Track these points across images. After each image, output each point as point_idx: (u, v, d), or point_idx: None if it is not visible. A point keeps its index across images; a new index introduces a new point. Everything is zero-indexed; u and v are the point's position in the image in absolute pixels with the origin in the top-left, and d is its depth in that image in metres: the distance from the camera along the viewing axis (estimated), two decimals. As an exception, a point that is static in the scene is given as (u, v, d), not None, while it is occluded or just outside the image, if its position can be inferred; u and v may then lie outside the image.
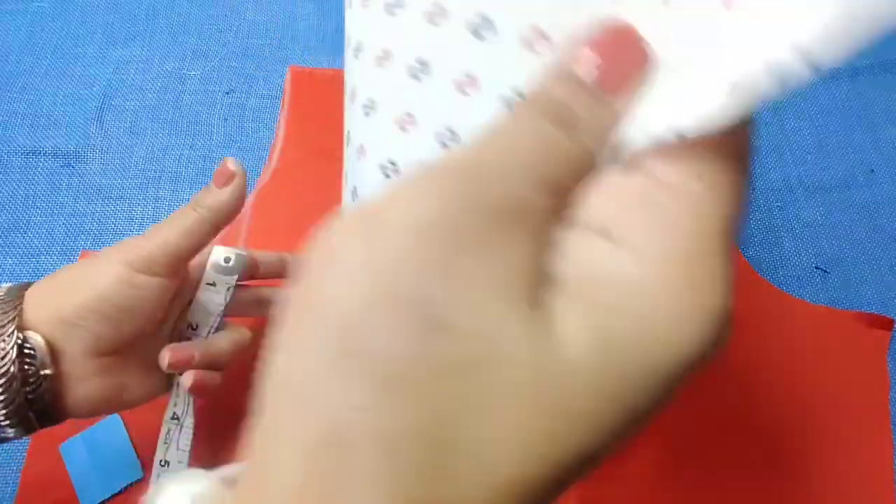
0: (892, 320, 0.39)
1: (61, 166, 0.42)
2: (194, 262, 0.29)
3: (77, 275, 0.26)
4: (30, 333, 0.24)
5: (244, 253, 0.31)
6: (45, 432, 0.34)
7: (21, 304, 0.25)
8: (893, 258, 0.42)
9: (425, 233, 0.10)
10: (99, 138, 0.44)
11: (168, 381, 0.30)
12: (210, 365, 0.29)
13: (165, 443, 0.30)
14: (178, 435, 0.30)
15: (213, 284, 0.30)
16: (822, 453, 0.35)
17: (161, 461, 0.30)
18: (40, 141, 0.43)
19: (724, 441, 0.35)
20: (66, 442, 0.34)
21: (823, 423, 0.36)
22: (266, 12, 0.50)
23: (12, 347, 0.24)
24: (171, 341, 0.29)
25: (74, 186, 0.42)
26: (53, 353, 0.25)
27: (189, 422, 0.30)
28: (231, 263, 0.30)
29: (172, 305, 0.29)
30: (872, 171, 0.45)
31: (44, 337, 0.24)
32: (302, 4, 0.50)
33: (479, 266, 0.10)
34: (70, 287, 0.26)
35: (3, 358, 0.23)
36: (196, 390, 0.28)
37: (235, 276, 0.30)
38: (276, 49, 0.48)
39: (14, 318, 0.24)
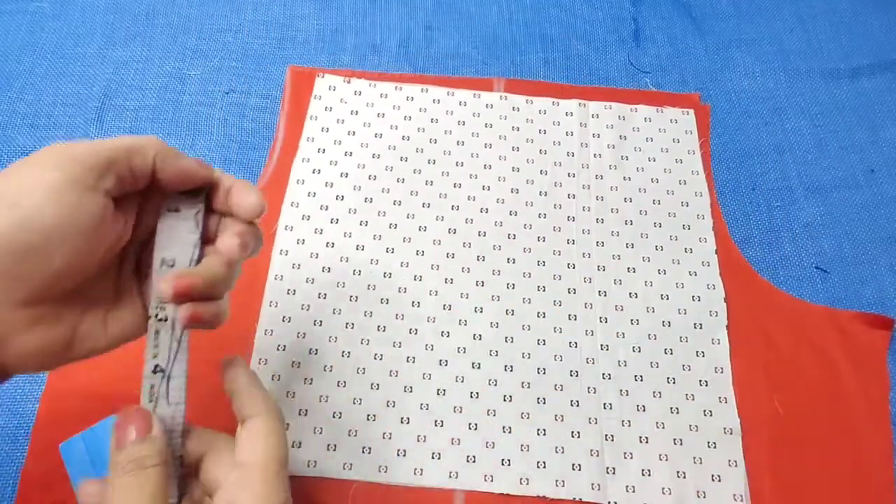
0: (892, 320, 0.39)
1: (61, 166, 0.42)
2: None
3: None
4: None
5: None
6: (45, 432, 0.34)
7: None
8: (893, 258, 0.42)
9: None
10: (99, 138, 0.43)
11: (136, 323, 0.25)
12: (207, 295, 0.24)
13: (151, 401, 0.25)
14: (164, 388, 0.25)
15: (178, 210, 0.25)
16: (821, 452, 0.35)
17: None
18: (40, 141, 0.43)
19: (723, 441, 0.35)
20: (66, 442, 0.34)
21: (823, 423, 0.36)
22: (266, 12, 0.50)
23: None
24: (137, 280, 0.25)
25: (74, 187, 0.42)
26: None
27: (179, 370, 0.25)
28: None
29: (133, 232, 0.24)
30: (872, 171, 0.45)
31: None
32: (302, 4, 0.50)
33: None
34: None
35: None
36: (194, 321, 0.24)
37: (201, 200, 0.25)
38: (276, 49, 0.48)
39: None
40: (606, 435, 0.35)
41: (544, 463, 0.34)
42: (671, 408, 0.36)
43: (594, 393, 0.36)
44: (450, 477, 0.34)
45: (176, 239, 0.25)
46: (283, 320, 0.37)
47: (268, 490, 0.23)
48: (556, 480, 0.34)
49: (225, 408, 0.27)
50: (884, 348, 0.38)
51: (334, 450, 0.34)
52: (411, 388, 0.36)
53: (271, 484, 0.23)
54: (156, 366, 0.25)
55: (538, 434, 0.35)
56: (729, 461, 0.34)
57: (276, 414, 0.25)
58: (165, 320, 0.25)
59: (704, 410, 0.36)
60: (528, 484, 0.34)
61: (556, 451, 0.34)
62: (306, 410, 0.35)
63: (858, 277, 0.41)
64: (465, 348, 0.37)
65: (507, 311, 0.38)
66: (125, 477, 0.22)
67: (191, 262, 0.25)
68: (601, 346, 0.37)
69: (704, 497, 0.34)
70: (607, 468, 0.34)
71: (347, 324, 0.37)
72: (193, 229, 0.25)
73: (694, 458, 0.35)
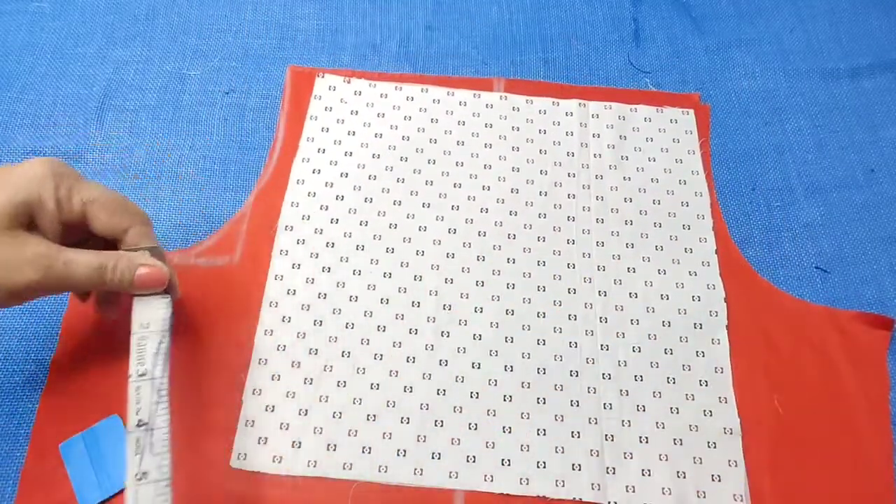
0: (893, 320, 0.39)
1: (61, 166, 0.42)
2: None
3: None
4: None
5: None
6: (45, 432, 0.34)
7: None
8: (893, 258, 0.42)
9: None
10: (99, 138, 0.44)
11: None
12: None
13: (137, 454, 0.28)
14: (149, 440, 0.28)
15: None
16: (821, 452, 0.35)
17: (137, 475, 0.27)
18: (40, 141, 0.43)
19: (723, 441, 0.35)
20: (66, 441, 0.34)
21: (823, 423, 0.36)
22: (265, 12, 0.50)
23: None
24: None
25: (74, 186, 0.42)
26: None
27: (162, 421, 0.28)
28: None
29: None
30: (872, 171, 0.45)
31: None
32: (301, 4, 0.50)
33: None
34: None
35: None
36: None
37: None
38: (276, 49, 0.48)
39: None
40: (606, 435, 0.35)
41: (544, 463, 0.34)
42: (671, 408, 0.36)
43: (594, 393, 0.36)
44: (450, 477, 0.34)
45: (148, 308, 0.30)
46: (283, 320, 0.37)
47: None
48: (557, 480, 0.34)
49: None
50: (884, 348, 0.38)
51: (334, 450, 0.34)
52: (411, 388, 0.36)
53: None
54: (139, 421, 0.28)
55: (538, 434, 0.35)
56: (729, 461, 0.34)
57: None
58: (144, 375, 0.28)
59: (704, 410, 0.36)
60: (528, 484, 0.34)
61: (557, 451, 0.34)
62: (306, 410, 0.35)
63: (858, 277, 0.41)
64: (465, 348, 0.37)
65: (507, 311, 0.38)
66: None
67: (164, 323, 0.30)
68: (601, 345, 0.37)
69: (704, 497, 0.34)
70: (607, 468, 0.34)
71: (347, 324, 0.37)
72: (165, 296, 0.31)
73: (694, 458, 0.35)
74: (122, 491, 0.33)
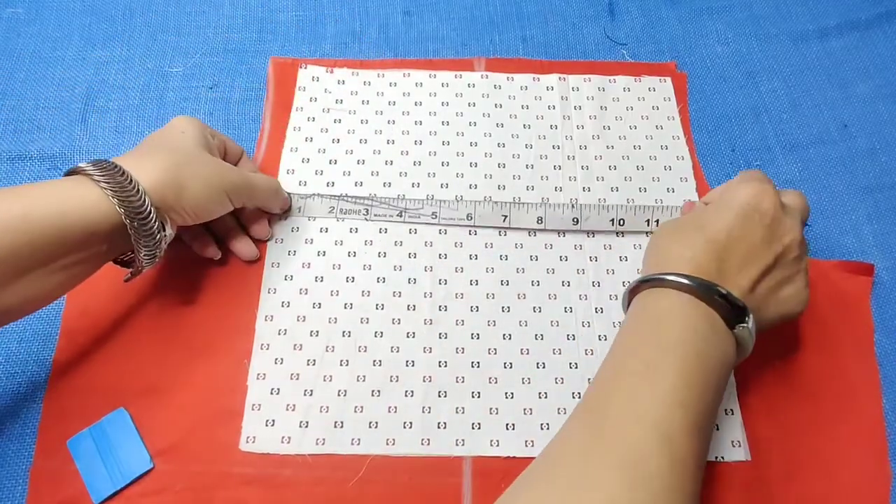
0: (873, 266, 0.40)
1: (48, 168, 0.42)
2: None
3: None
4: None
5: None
6: (52, 429, 0.34)
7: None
8: (870, 208, 0.43)
9: None
10: (84, 139, 0.44)
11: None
12: None
13: None
14: None
15: None
16: (812, 396, 0.36)
17: None
18: (25, 145, 0.43)
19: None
20: (74, 437, 0.34)
21: (813, 368, 0.37)
22: (244, 6, 0.50)
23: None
24: None
25: (63, 189, 0.42)
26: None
27: None
28: None
29: None
30: (846, 126, 0.46)
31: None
32: (279, -4, 0.50)
33: None
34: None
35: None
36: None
37: None
38: (256, 42, 0.48)
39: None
40: (606, 394, 0.36)
41: (548, 424, 0.35)
42: (667, 363, 0.37)
43: (591, 355, 0.37)
44: (456, 444, 0.34)
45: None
46: (283, 305, 0.38)
47: None
48: (561, 440, 0.34)
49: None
50: (867, 293, 0.39)
51: (341, 427, 0.34)
52: (413, 362, 0.36)
53: None
54: None
55: (539, 397, 0.36)
56: (726, 410, 0.36)
57: None
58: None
59: (699, 364, 0.37)
60: (533, 446, 0.34)
61: (559, 413, 0.35)
62: (311, 391, 0.35)
63: (838, 228, 0.42)
64: (463, 320, 0.37)
65: (501, 281, 0.39)
66: None
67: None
68: (595, 308, 0.38)
69: None
70: (609, 425, 0.35)
71: (346, 304, 0.38)
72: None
73: (692, 409, 0.36)
74: (132, 482, 0.34)
